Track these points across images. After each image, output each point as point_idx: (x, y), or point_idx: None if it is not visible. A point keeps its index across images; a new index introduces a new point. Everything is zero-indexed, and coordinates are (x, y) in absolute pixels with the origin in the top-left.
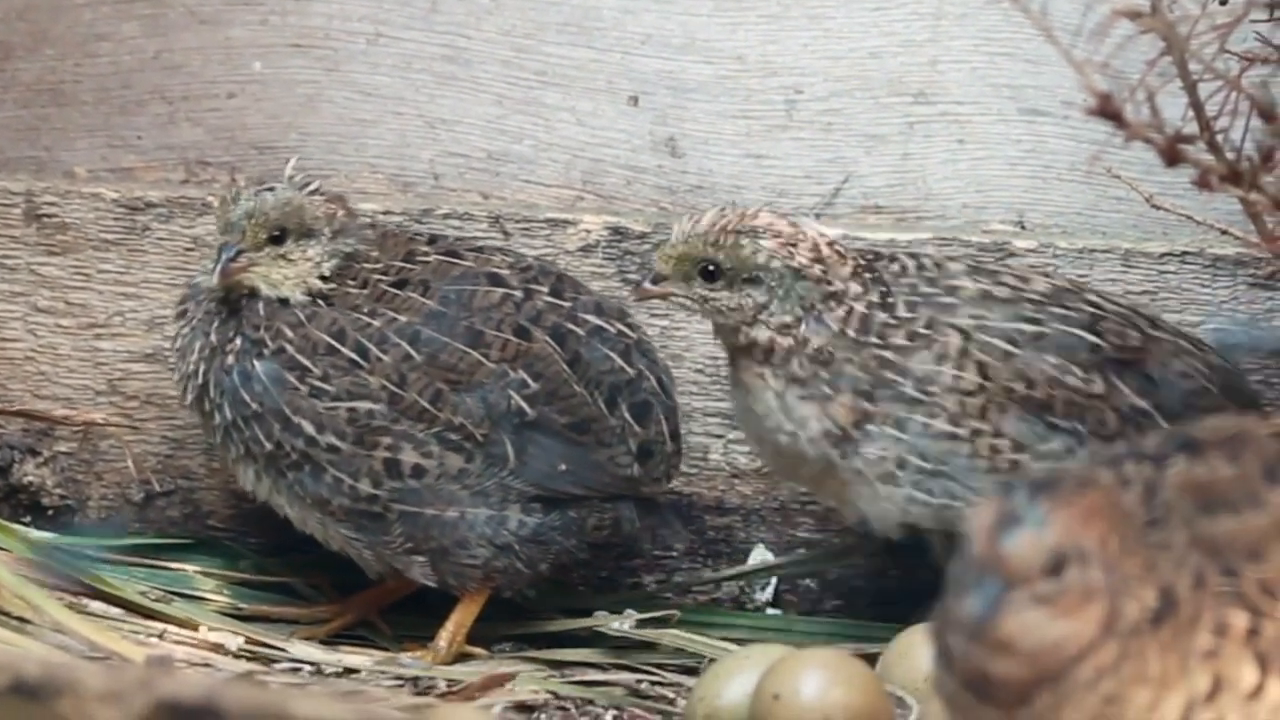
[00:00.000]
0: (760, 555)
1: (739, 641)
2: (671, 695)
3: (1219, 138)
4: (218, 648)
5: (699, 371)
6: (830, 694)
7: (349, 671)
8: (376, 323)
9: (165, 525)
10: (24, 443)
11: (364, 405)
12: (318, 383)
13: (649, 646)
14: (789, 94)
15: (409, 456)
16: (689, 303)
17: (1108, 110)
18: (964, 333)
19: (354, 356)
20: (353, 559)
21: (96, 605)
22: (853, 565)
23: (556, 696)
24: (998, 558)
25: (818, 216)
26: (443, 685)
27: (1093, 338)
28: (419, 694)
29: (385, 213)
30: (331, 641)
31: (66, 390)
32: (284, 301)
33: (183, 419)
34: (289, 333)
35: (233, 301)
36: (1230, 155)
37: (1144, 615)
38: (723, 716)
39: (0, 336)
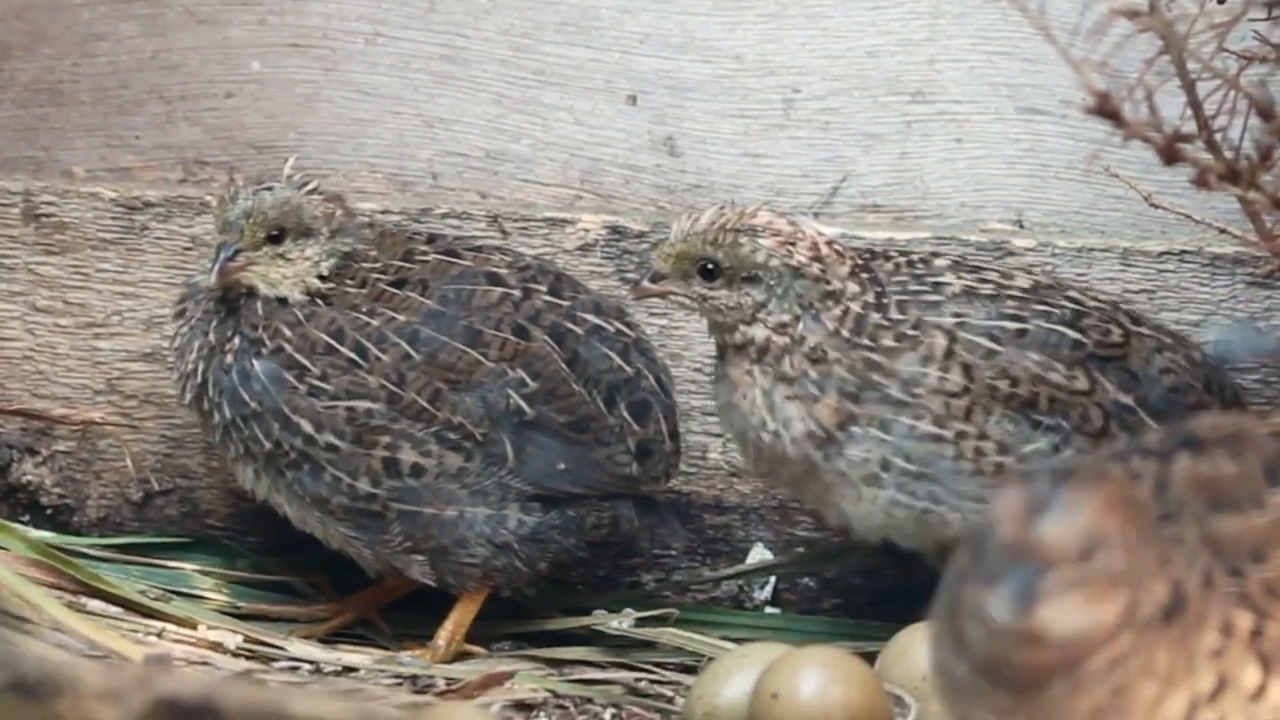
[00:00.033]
0: (759, 554)
1: (737, 640)
2: (670, 694)
3: (1217, 136)
4: (216, 646)
5: (697, 370)
6: (829, 693)
7: (348, 670)
8: (375, 322)
9: (164, 524)
10: (22, 442)
11: (363, 404)
12: (316, 382)
13: (648, 645)
14: (787, 93)
15: (408, 455)
16: (687, 301)
17: (1106, 109)
18: (949, 333)
19: (353, 356)
20: (352, 558)
21: (95, 604)
22: (851, 564)
23: (555, 695)
24: (1033, 544)
25: (816, 215)
26: (442, 684)
27: (1075, 334)
28: (418, 692)
29: (383, 212)
30: (330, 640)
31: (65, 389)
32: (282, 301)
33: (181, 418)
34: (287, 332)
35: (231, 301)
36: (1228, 154)
37: (1157, 610)
38: (721, 715)
39: None
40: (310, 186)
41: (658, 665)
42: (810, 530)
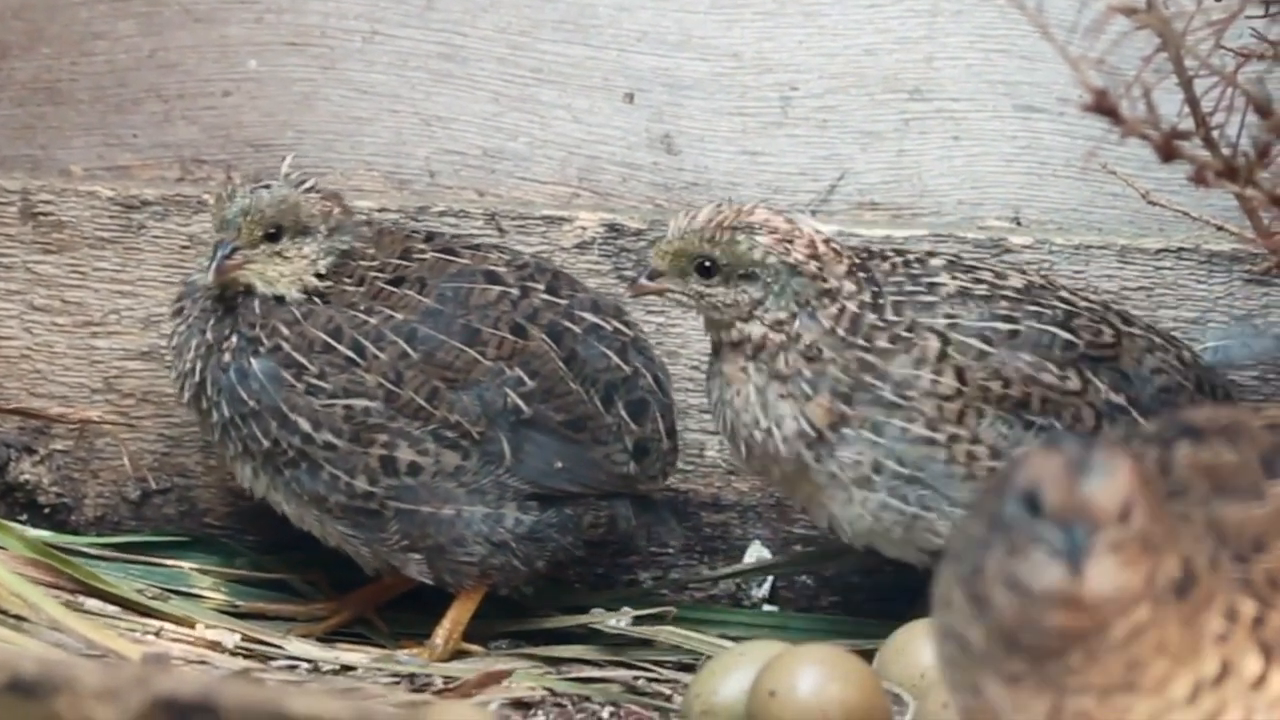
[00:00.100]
0: (756, 552)
1: (735, 638)
2: (668, 692)
3: (1215, 133)
4: (214, 645)
5: (695, 368)
6: (827, 690)
7: (346, 669)
8: (373, 320)
9: (162, 523)
10: (20, 441)
11: (360, 403)
12: (314, 380)
13: (645, 643)
14: (784, 91)
15: (405, 454)
16: (685, 299)
17: (1103, 106)
18: (941, 335)
19: (350, 354)
20: (350, 556)
21: (93, 603)
22: (849, 562)
23: (553, 693)
24: (1080, 503)
25: (813, 213)
26: (439, 682)
27: (1067, 335)
28: (416, 691)
29: (381, 210)
30: (328, 639)
31: (62, 388)
32: (280, 299)
33: (179, 416)
34: (285, 330)
35: (229, 299)
36: (1226, 151)
37: (1170, 584)
38: (719, 713)
39: None
40: (308, 185)
41: (655, 663)
42: (808, 528)
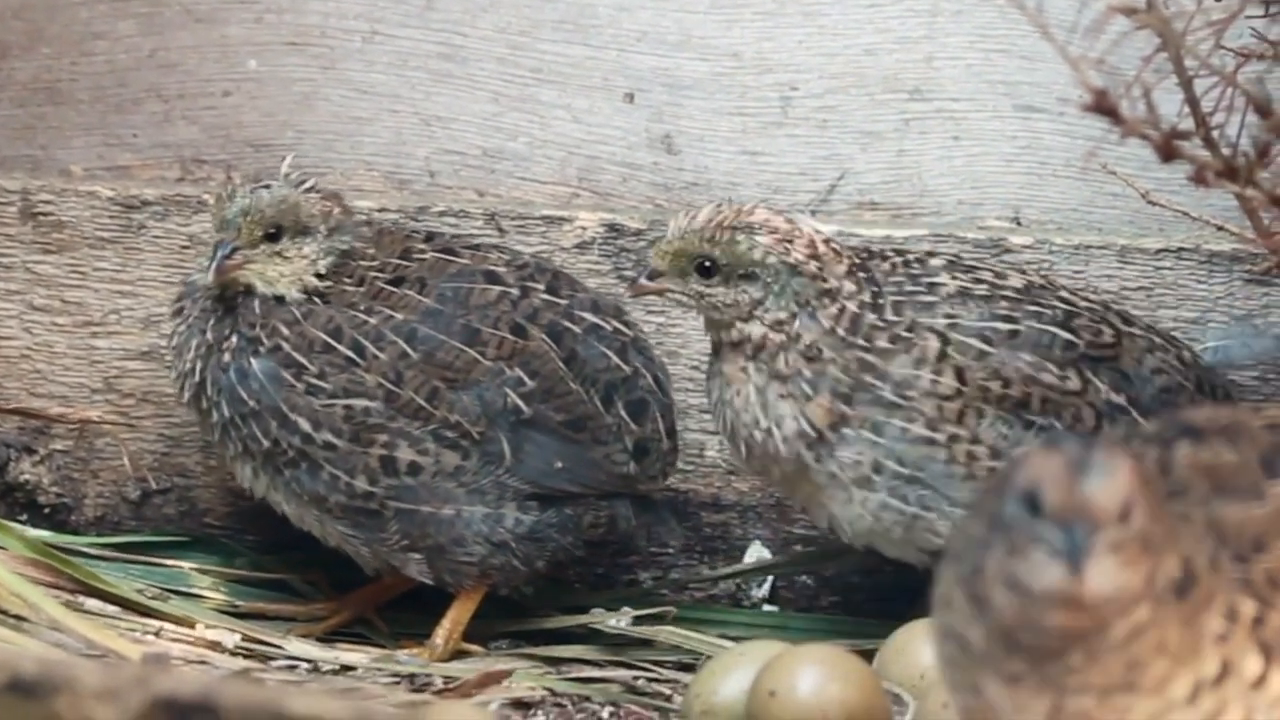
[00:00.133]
0: (756, 552)
1: (735, 638)
2: (668, 692)
3: (1215, 133)
4: (214, 645)
5: (695, 368)
6: (827, 690)
7: (346, 669)
8: (373, 320)
9: (161, 523)
10: (20, 441)
11: (360, 403)
12: (314, 380)
13: (645, 643)
14: (784, 91)
15: (405, 454)
16: (685, 299)
17: (1103, 106)
18: (941, 335)
19: (350, 354)
20: (350, 556)
21: (93, 603)
22: (849, 562)
23: (553, 693)
24: (1081, 504)
25: (813, 213)
26: (439, 682)
27: (1067, 334)
28: (415, 691)
29: (381, 210)
30: (328, 639)
31: (62, 388)
32: (280, 299)
33: (179, 416)
34: (285, 330)
35: (229, 299)
36: (1226, 151)
37: (1169, 584)
38: (719, 713)
39: None
40: (308, 185)
41: (655, 663)
42: (808, 528)
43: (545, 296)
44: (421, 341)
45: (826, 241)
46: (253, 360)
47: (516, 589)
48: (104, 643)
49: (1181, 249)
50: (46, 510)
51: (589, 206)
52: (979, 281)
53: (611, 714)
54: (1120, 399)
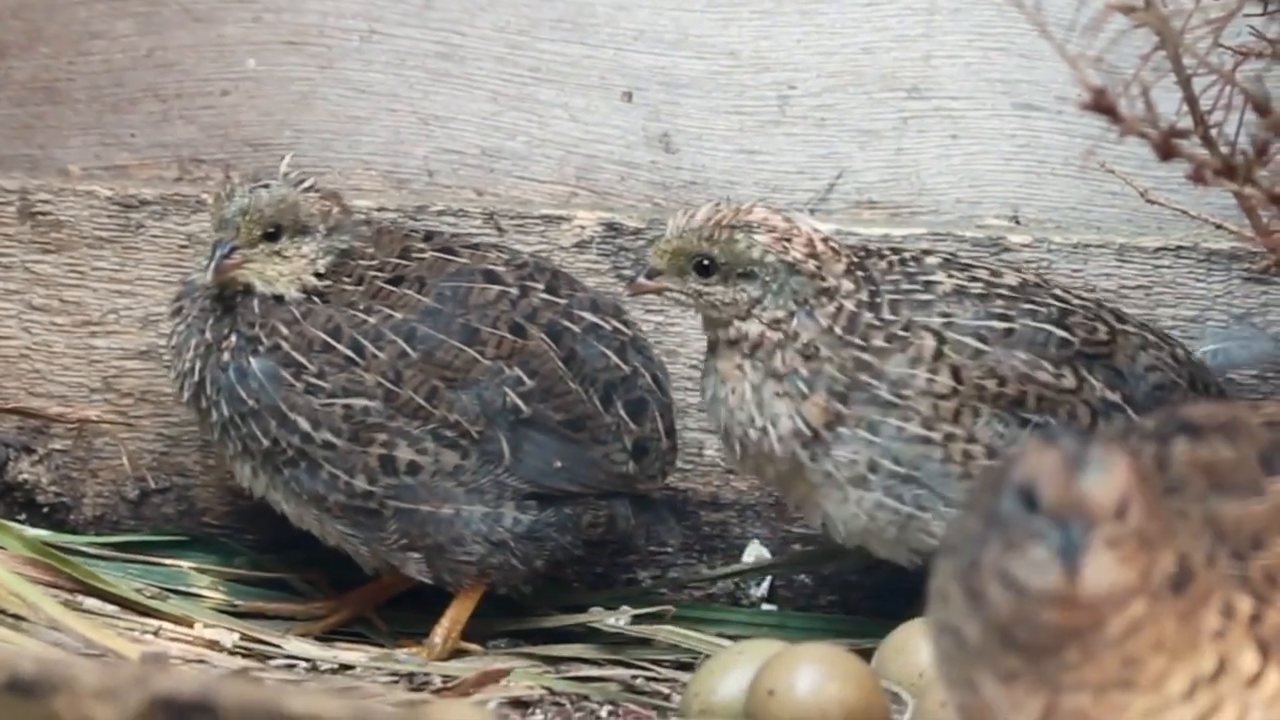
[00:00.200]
0: (755, 551)
1: (734, 637)
2: (666, 691)
3: (1213, 132)
4: (213, 644)
5: (693, 367)
6: (825, 689)
7: (344, 668)
8: (372, 319)
9: (160, 522)
10: (19, 440)
11: (359, 402)
12: (313, 379)
13: (644, 642)
14: (782, 89)
15: (404, 453)
16: (683, 297)
17: (1102, 105)
18: (937, 334)
19: (349, 353)
20: (349, 555)
21: (92, 602)
22: (848, 561)
23: (552, 692)
24: (1077, 500)
25: (812, 212)
26: (438, 681)
27: (1062, 332)
28: (414, 690)
29: (380, 209)
30: (327, 638)
31: (61, 388)
32: (279, 298)
33: (177, 416)
34: (284, 330)
35: (228, 299)
36: (1224, 149)
37: (1166, 580)
38: (718, 712)
39: None
40: (306, 184)
41: (654, 662)
42: (806, 528)
43: (544, 296)
44: (421, 341)
45: (825, 240)
46: (252, 359)
47: (515, 588)
48: (103, 642)
49: (1180, 247)
50: (45, 509)
51: (587, 205)
52: (974, 280)
53: (610, 713)
54: (1115, 396)
